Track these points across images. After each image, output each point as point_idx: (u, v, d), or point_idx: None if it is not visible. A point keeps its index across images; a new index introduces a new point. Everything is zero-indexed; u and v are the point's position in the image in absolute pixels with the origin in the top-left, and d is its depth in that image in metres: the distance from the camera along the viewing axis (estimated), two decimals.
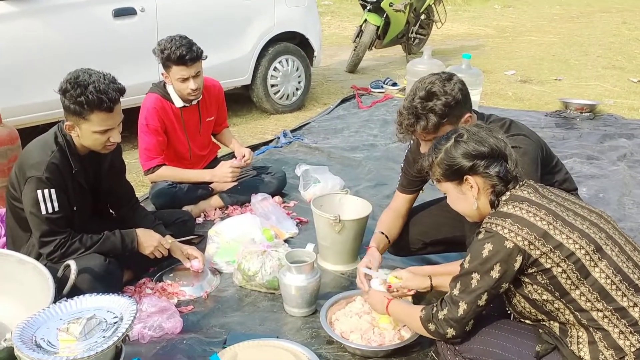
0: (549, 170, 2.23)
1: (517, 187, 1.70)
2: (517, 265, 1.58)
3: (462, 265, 1.68)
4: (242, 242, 2.57)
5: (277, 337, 2.12)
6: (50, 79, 3.67)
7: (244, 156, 3.17)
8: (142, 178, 3.70)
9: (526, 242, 1.57)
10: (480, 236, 1.65)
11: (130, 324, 1.62)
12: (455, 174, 1.72)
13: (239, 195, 3.25)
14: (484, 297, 1.63)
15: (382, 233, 2.37)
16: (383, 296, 1.99)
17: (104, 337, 1.59)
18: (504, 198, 1.70)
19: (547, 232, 1.58)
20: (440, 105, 2.01)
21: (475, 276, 1.62)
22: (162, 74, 3.03)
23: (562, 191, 1.78)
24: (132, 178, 3.73)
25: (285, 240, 2.85)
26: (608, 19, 11.12)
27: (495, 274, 1.60)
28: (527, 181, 1.74)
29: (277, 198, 3.29)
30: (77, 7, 3.86)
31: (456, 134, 1.74)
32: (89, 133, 2.16)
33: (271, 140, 4.48)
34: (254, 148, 4.29)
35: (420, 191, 2.51)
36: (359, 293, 2.27)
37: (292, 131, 4.67)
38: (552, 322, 1.66)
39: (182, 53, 2.89)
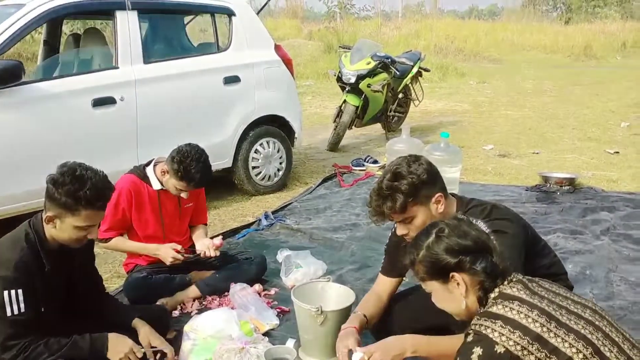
0: (536, 253, 2.20)
1: (506, 283, 1.63)
2: None
3: None
4: (219, 339, 2.44)
5: None
6: (27, 170, 3.69)
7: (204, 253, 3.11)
8: (117, 269, 3.59)
9: (519, 347, 1.48)
10: (469, 339, 1.56)
11: None
12: (441, 272, 1.65)
13: (218, 284, 3.14)
14: None
15: (364, 316, 2.29)
16: None
17: None
18: (492, 296, 1.62)
19: (541, 336, 1.49)
20: (406, 184, 2.05)
21: None
22: (163, 170, 3.01)
23: (552, 284, 1.71)
24: (107, 268, 3.64)
25: (266, 333, 2.72)
26: (580, 92, 11.51)
27: None
28: (515, 276, 1.67)
29: (258, 286, 3.18)
30: (55, 98, 3.87)
31: (436, 229, 1.70)
32: (71, 227, 2.09)
33: (252, 223, 4.42)
34: (234, 231, 4.22)
35: (404, 278, 2.44)
36: None
37: (274, 212, 4.61)
38: None
39: (197, 180, 2.94)
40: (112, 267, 3.68)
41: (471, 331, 1.55)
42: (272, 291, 3.20)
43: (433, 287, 1.70)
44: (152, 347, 2.34)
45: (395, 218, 2.11)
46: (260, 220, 4.43)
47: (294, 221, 4.44)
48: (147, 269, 3.10)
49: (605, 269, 3.43)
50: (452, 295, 1.67)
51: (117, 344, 2.21)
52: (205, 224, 3.42)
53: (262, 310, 2.86)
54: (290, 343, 2.23)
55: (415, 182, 2.05)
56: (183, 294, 3.08)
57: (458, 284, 1.63)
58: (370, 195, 2.14)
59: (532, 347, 1.47)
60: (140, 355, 2.24)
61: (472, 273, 1.62)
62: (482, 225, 2.07)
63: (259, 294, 3.10)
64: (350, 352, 2.03)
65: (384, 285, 2.43)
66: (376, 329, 2.46)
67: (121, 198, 3.01)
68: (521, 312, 1.52)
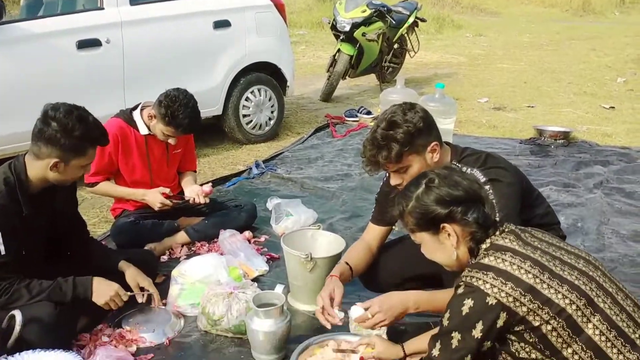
0: (529, 203, 2.15)
1: (498, 233, 1.57)
2: (500, 322, 1.44)
3: (441, 322, 1.53)
4: (207, 284, 2.42)
5: None
6: (8, 113, 3.57)
7: (193, 199, 3.04)
8: (105, 214, 3.54)
9: (511, 299, 1.43)
10: (460, 290, 1.50)
11: None
12: (431, 223, 1.59)
13: (207, 230, 3.10)
14: (467, 359, 1.47)
15: (347, 264, 2.25)
16: None
17: None
18: (484, 246, 1.56)
19: (534, 287, 1.44)
20: (401, 133, 1.97)
21: (456, 335, 1.47)
22: (150, 115, 2.92)
23: (545, 233, 1.66)
24: (95, 213, 3.60)
25: (255, 279, 2.70)
26: (577, 46, 11.34)
27: (477, 333, 1.45)
28: (507, 226, 1.61)
29: (247, 233, 3.14)
30: (38, 39, 3.73)
31: (426, 179, 1.62)
32: (77, 168, 2.08)
33: (243, 171, 4.36)
34: (224, 179, 4.17)
35: (393, 227, 2.40)
36: (332, 337, 2.12)
37: (265, 161, 4.55)
38: None
39: (185, 125, 2.85)
40: (100, 212, 3.63)
41: (462, 283, 1.50)
42: (262, 238, 3.17)
43: (423, 238, 1.64)
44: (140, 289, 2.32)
45: (390, 168, 2.04)
46: (250, 168, 4.37)
47: (285, 170, 4.39)
48: (134, 214, 3.05)
49: (597, 222, 3.42)
50: (443, 247, 1.61)
51: (102, 287, 2.17)
52: (195, 171, 3.35)
53: (251, 256, 2.83)
54: (279, 289, 2.20)
55: (411, 131, 1.97)
56: (171, 239, 3.05)
57: (449, 235, 1.58)
58: (364, 145, 2.06)
59: (525, 299, 1.42)
60: (126, 298, 2.21)
61: (463, 224, 1.56)
62: (477, 174, 2.02)
63: (249, 241, 3.07)
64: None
65: (373, 233, 2.38)
66: (364, 279, 2.44)
67: None
68: (514, 264, 1.47)
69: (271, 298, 2.18)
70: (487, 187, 1.94)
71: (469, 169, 2.04)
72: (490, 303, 1.43)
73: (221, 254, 2.79)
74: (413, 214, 1.60)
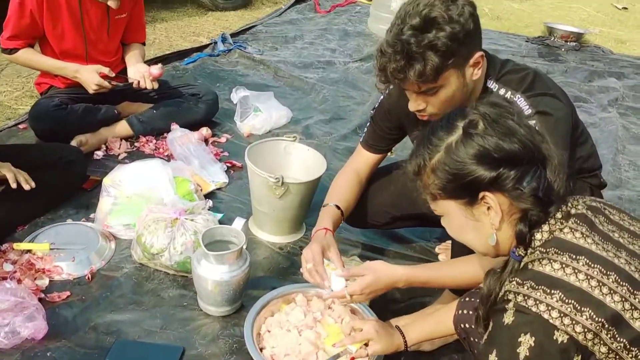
0: (572, 142, 1.61)
1: (560, 216, 1.02)
2: None
3: None
4: (147, 200, 1.89)
5: (183, 351, 1.53)
6: None
7: (138, 82, 2.41)
8: (32, 86, 2.87)
9: (589, 335, 0.92)
10: (509, 319, 0.96)
11: None
12: (465, 189, 1.02)
13: (154, 122, 2.51)
14: None
15: (338, 207, 1.71)
16: None
17: None
18: (539, 237, 1.02)
19: (621, 317, 0.92)
20: (444, 38, 1.31)
21: None
22: None
23: (622, 212, 1.11)
24: (20, 83, 2.95)
25: (210, 194, 2.17)
26: None
27: None
28: (573, 202, 1.06)
29: (205, 130, 2.56)
30: None
31: (465, 120, 1.03)
32: None
33: (206, 46, 3.68)
34: (183, 54, 3.49)
35: (390, 153, 1.86)
36: (300, 290, 1.66)
37: (233, 35, 3.87)
38: None
39: None
40: (27, 82, 2.97)
41: (509, 304, 0.97)
42: (223, 139, 2.59)
43: (448, 209, 1.08)
44: None
45: (420, 88, 1.40)
46: (216, 43, 3.70)
47: (256, 50, 3.72)
48: (63, 93, 2.42)
49: (612, 150, 2.96)
50: (478, 225, 1.07)
51: None
52: (143, 44, 2.68)
53: (207, 163, 2.28)
54: (239, 223, 1.69)
55: (459, 35, 1.33)
56: (109, 130, 2.45)
57: (489, 208, 1.03)
58: (381, 51, 1.37)
59: (607, 335, 0.93)
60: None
61: (514, 195, 1.00)
62: (521, 102, 1.46)
63: (206, 140, 2.50)
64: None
65: (363, 160, 1.81)
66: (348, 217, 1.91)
67: None
68: (592, 277, 0.94)
69: (227, 235, 1.67)
70: (532, 121, 1.40)
71: (510, 93, 1.48)
72: (559, 340, 0.92)
73: (169, 158, 2.24)
74: (440, 173, 1.03)
